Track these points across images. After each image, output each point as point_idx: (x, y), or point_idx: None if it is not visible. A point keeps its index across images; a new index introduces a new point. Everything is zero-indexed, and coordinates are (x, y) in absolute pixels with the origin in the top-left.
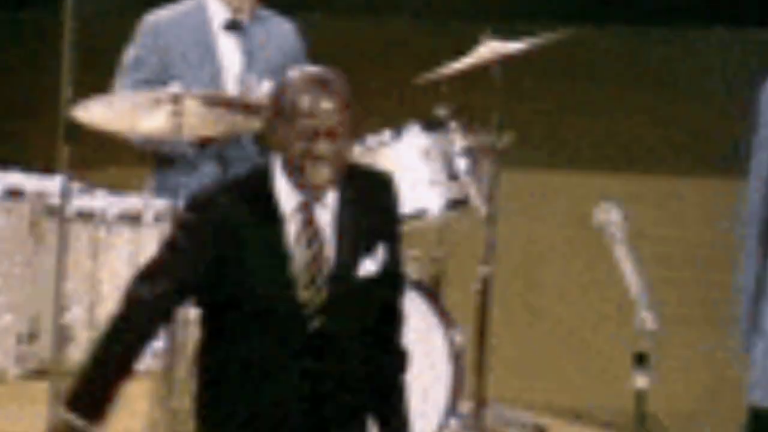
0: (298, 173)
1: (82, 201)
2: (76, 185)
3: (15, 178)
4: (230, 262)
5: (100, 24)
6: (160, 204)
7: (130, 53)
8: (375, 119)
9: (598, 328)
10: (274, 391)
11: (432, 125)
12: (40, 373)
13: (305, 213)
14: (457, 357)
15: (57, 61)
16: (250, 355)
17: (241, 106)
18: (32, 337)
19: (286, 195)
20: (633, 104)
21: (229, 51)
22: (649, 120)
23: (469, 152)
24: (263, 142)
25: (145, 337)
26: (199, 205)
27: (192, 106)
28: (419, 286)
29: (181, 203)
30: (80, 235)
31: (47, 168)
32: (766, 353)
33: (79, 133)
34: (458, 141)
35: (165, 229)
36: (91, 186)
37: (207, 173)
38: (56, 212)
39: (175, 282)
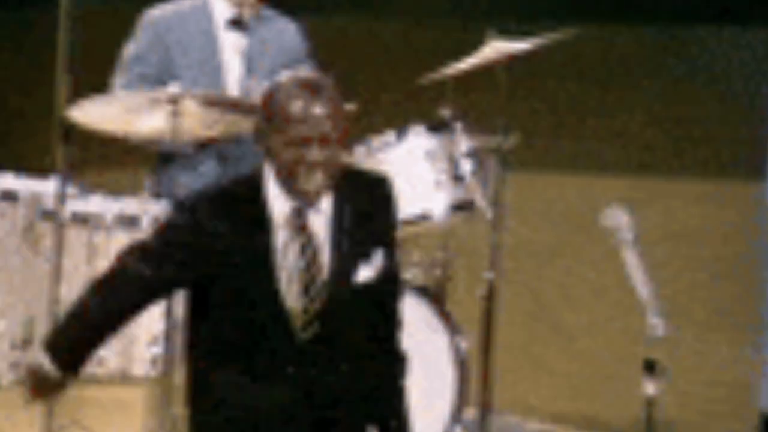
0: (290, 180)
1: (77, 204)
2: (71, 188)
3: (9, 181)
4: (217, 268)
5: (96, 22)
6: (158, 207)
7: (130, 48)
8: (379, 120)
9: (606, 334)
10: (267, 400)
11: (437, 126)
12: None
13: (298, 219)
14: (461, 363)
15: (52, 61)
16: (241, 360)
17: (241, 107)
18: (26, 342)
19: (278, 201)
20: (640, 105)
21: (232, 49)
22: (657, 121)
23: (474, 154)
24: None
25: (126, 308)
26: (187, 209)
27: (191, 107)
28: (423, 291)
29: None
30: (76, 239)
31: (42, 170)
32: None
33: (74, 135)
34: (463, 142)
35: None
36: (86, 189)
37: (207, 172)
38: (51, 216)
39: (159, 274)
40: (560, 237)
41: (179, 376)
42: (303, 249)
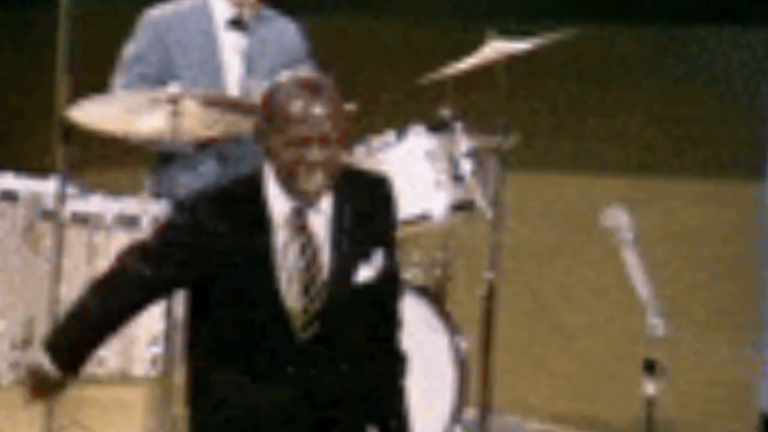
0: (290, 180)
1: (77, 204)
2: (71, 188)
3: (9, 181)
4: (217, 268)
5: (96, 22)
6: (158, 207)
7: (130, 48)
8: (379, 120)
9: (606, 334)
10: (267, 400)
11: (437, 126)
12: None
13: (298, 219)
14: (461, 363)
15: (52, 61)
16: (240, 360)
17: (241, 107)
18: (26, 342)
19: (278, 201)
20: (640, 105)
21: (232, 49)
22: (657, 121)
23: (474, 154)
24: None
25: (126, 308)
26: (187, 209)
27: (191, 107)
28: (423, 291)
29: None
30: (76, 238)
31: (42, 170)
32: None
33: (75, 135)
34: (463, 142)
35: None
36: (86, 189)
37: (207, 172)
38: (51, 216)
39: (158, 274)
40: (560, 237)
41: (179, 376)
42: (303, 249)
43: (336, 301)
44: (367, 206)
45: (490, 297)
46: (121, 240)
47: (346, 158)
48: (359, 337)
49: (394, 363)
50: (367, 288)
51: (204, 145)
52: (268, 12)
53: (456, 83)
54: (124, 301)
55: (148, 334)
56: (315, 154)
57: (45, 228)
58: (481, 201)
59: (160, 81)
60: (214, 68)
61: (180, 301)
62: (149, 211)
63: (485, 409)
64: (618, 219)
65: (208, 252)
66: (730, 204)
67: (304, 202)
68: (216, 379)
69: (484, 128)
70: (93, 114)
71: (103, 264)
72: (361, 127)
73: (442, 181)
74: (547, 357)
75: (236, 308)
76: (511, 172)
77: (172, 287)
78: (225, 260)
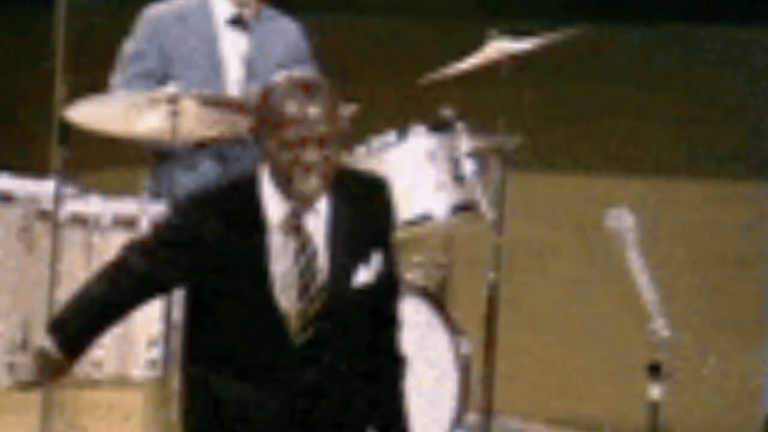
0: (286, 182)
1: (75, 205)
2: (69, 188)
3: (5, 182)
4: (211, 270)
5: (95, 22)
6: (157, 208)
7: (129, 46)
8: (380, 120)
9: (610, 336)
10: (263, 404)
11: (438, 127)
12: (31, 384)
13: (294, 221)
14: (463, 366)
15: (50, 60)
16: (236, 365)
17: (241, 107)
18: (23, 346)
19: (273, 203)
20: (643, 105)
21: (232, 48)
22: (663, 121)
23: (476, 154)
24: None
25: (126, 302)
26: (182, 210)
27: (190, 107)
28: (424, 293)
29: (175, 203)
30: (74, 240)
31: (39, 170)
32: None
33: (72, 135)
34: (465, 142)
35: None
36: (84, 190)
37: (207, 172)
38: (49, 217)
39: (155, 272)
40: (563, 238)
41: (177, 380)
42: (299, 252)
43: (333, 304)
44: (364, 208)
45: (492, 298)
46: (119, 241)
47: (342, 159)
48: (357, 340)
49: (393, 365)
50: (366, 290)
51: (202, 145)
52: (269, 11)
53: (457, 83)
54: (124, 294)
55: (146, 337)
56: (311, 155)
57: (42, 229)
58: (482, 201)
59: (159, 79)
60: (213, 67)
61: (178, 303)
62: (148, 211)
63: (487, 412)
64: (622, 220)
65: (202, 253)
66: (738, 205)
67: (300, 203)
68: (211, 383)
69: (486, 128)
70: (91, 114)
71: (100, 265)
72: (362, 127)
73: (443, 182)
74: (549, 359)
75: (231, 311)
76: (513, 172)
77: (168, 285)
78: (219, 262)
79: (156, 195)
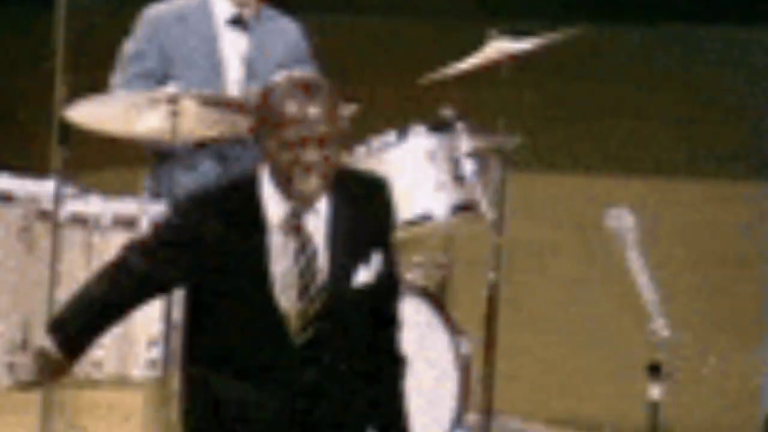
0: (286, 182)
1: (75, 205)
2: (69, 188)
3: (5, 181)
4: (211, 270)
5: (95, 21)
6: (156, 208)
7: (129, 46)
8: (380, 120)
9: (610, 336)
10: (263, 405)
11: (438, 126)
12: (31, 384)
13: (294, 221)
14: (463, 366)
15: (49, 60)
16: (236, 365)
17: (241, 107)
18: (23, 346)
19: (273, 203)
20: (643, 105)
21: (233, 48)
22: (663, 121)
23: (476, 154)
24: None
25: (126, 301)
26: (181, 210)
27: (190, 107)
28: (424, 293)
29: (175, 203)
30: (74, 240)
31: (40, 170)
32: None
33: (72, 135)
34: (465, 142)
35: None
36: (84, 189)
37: (207, 172)
38: (49, 217)
39: (155, 272)
40: (563, 238)
41: (177, 380)
42: (299, 252)
43: (333, 304)
44: (364, 208)
45: (492, 298)
46: (119, 241)
47: (342, 159)
48: (357, 340)
49: (393, 365)
50: (366, 290)
51: (202, 145)
52: (269, 11)
53: (457, 83)
54: (124, 294)
55: (146, 337)
56: (311, 155)
57: (42, 229)
58: (482, 202)
59: (159, 79)
60: (213, 67)
61: (178, 303)
62: (148, 211)
63: (487, 412)
64: (622, 220)
65: (202, 253)
66: (738, 205)
67: (300, 203)
68: (211, 383)
69: (486, 128)
70: (91, 114)
71: (100, 265)
72: (362, 127)
73: (443, 182)
74: (549, 359)
75: (231, 311)
76: (513, 172)
77: (169, 285)
78: (219, 262)
79: (156, 195)
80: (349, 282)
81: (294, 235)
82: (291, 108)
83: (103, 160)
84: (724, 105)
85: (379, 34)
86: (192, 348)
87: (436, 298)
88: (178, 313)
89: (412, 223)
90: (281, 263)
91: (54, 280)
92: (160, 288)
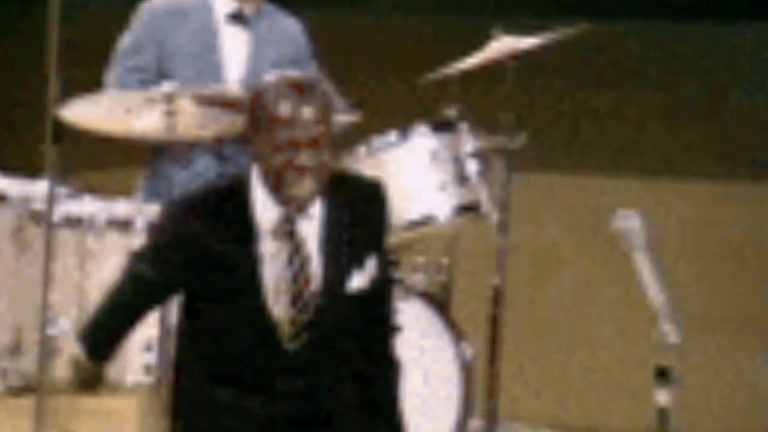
0: (278, 185)
1: (69, 206)
2: (62, 189)
3: None
4: (202, 277)
5: (89, 19)
6: (152, 209)
7: (125, 40)
8: (381, 119)
9: (617, 341)
10: (255, 413)
11: (441, 126)
12: (24, 390)
13: (287, 226)
14: (466, 372)
15: (42, 58)
16: (227, 373)
17: (239, 105)
18: (16, 351)
19: (265, 207)
20: (652, 105)
21: (233, 44)
22: (671, 121)
23: (479, 154)
24: None
25: (138, 307)
26: (170, 215)
27: (186, 106)
28: (426, 297)
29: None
30: (67, 242)
31: (32, 171)
32: None
33: (66, 134)
34: (469, 142)
35: None
36: (78, 190)
37: (204, 171)
38: (42, 218)
39: (154, 277)
40: (569, 240)
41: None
42: (291, 257)
43: (327, 311)
44: (358, 212)
45: (497, 302)
46: (114, 243)
47: (343, 159)
48: (351, 347)
49: (387, 371)
50: (360, 296)
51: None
52: (269, 7)
53: (463, 81)
54: (135, 299)
55: (141, 342)
56: (304, 158)
57: (35, 231)
58: (487, 203)
59: (155, 74)
60: (213, 64)
61: (173, 307)
62: (143, 213)
63: (491, 419)
64: (630, 222)
65: (192, 259)
66: (746, 205)
67: (292, 208)
68: (203, 390)
69: (491, 128)
70: (85, 113)
71: (95, 268)
72: (363, 126)
73: (446, 183)
74: (555, 365)
75: (221, 318)
76: (518, 173)
77: (168, 290)
78: (210, 268)
79: (152, 194)
80: (342, 288)
81: (286, 241)
82: (283, 109)
83: (97, 160)
84: (745, 105)
85: (380, 31)
86: (183, 354)
87: (439, 302)
88: (172, 318)
89: (414, 224)
90: (273, 269)
91: (47, 282)
92: (168, 290)
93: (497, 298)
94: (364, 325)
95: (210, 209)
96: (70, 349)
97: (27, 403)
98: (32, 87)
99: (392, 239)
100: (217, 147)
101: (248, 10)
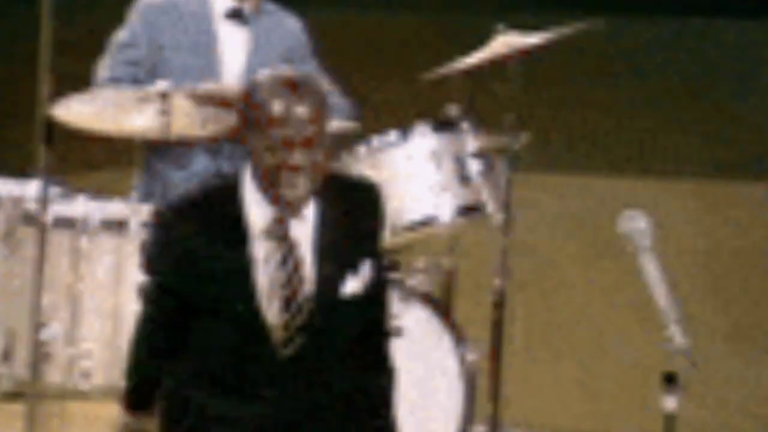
0: (271, 186)
1: (61, 207)
2: (54, 190)
3: None
4: (193, 280)
5: (81, 18)
6: (147, 210)
7: (120, 34)
8: (382, 118)
9: (622, 344)
10: (246, 420)
11: (442, 125)
12: (15, 395)
13: (279, 228)
14: (469, 376)
15: (34, 57)
16: (218, 378)
17: (232, 103)
18: (7, 355)
19: (257, 208)
20: (656, 103)
21: (231, 42)
22: (675, 121)
23: (482, 154)
24: None
25: (170, 338)
26: (161, 218)
27: (181, 104)
28: (428, 299)
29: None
30: (60, 243)
31: (24, 172)
32: None
33: (58, 134)
34: (470, 142)
35: None
36: (71, 191)
37: (200, 170)
38: (33, 219)
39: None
40: (573, 241)
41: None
42: (284, 260)
43: (321, 315)
44: (353, 214)
45: (499, 305)
46: (107, 245)
47: (332, 162)
48: (345, 351)
49: (382, 377)
50: (354, 301)
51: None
52: (269, 6)
53: (464, 80)
54: (163, 323)
55: None
56: (298, 157)
57: (27, 233)
58: (489, 203)
59: (148, 69)
60: (210, 62)
61: None
62: (138, 213)
63: (494, 426)
64: (636, 223)
65: (184, 262)
66: (751, 207)
67: (285, 209)
68: (194, 397)
69: (493, 127)
70: (78, 112)
71: (88, 270)
72: (364, 126)
73: (448, 183)
74: (559, 369)
75: (212, 322)
76: (521, 173)
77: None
78: (200, 271)
79: (147, 193)
80: (336, 292)
81: (279, 243)
82: (276, 107)
83: (91, 160)
84: (740, 103)
85: (382, 29)
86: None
87: (441, 305)
88: None
89: (416, 224)
90: (265, 272)
91: (39, 286)
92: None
93: (500, 300)
94: (359, 330)
95: (202, 211)
96: (62, 354)
97: (18, 408)
98: (25, 86)
99: (393, 239)
100: (214, 146)
101: (248, 8)
